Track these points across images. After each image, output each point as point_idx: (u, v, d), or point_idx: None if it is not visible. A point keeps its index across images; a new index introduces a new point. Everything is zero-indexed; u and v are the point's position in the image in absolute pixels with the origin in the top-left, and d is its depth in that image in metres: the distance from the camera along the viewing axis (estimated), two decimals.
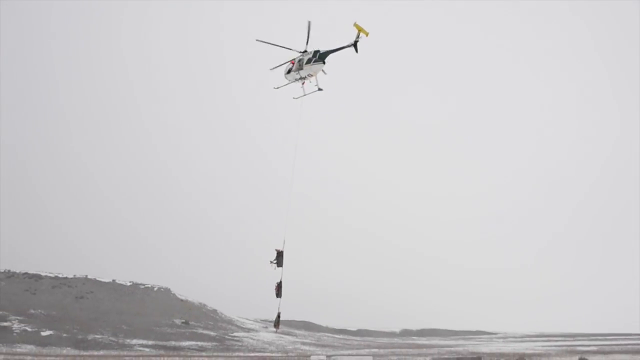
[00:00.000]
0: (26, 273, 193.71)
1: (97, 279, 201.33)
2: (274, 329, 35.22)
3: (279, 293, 29.04)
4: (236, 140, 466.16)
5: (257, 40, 23.83)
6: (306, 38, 24.87)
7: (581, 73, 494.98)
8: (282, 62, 26.37)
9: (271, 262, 27.50)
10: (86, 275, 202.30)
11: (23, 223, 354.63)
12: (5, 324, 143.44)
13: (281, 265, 27.45)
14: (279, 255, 27.37)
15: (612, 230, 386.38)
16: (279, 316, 31.46)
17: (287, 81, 26.68)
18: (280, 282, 28.97)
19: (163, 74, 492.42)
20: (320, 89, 26.26)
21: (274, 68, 26.14)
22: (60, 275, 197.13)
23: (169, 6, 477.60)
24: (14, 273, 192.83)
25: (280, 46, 24.99)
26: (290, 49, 25.52)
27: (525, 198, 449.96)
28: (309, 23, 23.87)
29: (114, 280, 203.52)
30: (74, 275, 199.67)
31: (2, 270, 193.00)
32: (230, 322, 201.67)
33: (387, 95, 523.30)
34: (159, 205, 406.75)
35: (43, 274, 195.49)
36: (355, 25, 23.65)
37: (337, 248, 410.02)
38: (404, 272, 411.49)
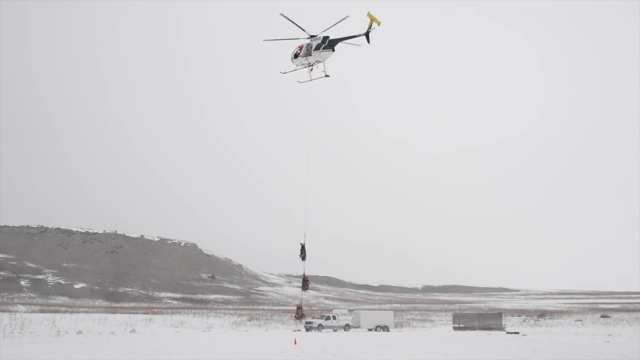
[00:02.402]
0: (58, 228, 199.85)
1: (126, 234, 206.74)
2: (296, 320, 35.86)
3: (305, 286, 29.53)
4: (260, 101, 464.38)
5: (281, 14, 23.39)
6: (330, 25, 24.15)
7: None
8: (280, 38, 25.71)
9: (299, 255, 27.83)
10: (115, 231, 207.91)
11: (54, 180, 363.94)
12: (40, 276, 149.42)
13: (304, 259, 27.70)
14: (302, 248, 27.62)
15: (638, 189, 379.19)
16: (300, 308, 31.78)
17: (294, 66, 26.11)
18: (305, 275, 29.44)
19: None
20: (327, 76, 25.77)
21: (267, 40, 25.56)
22: (90, 231, 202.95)
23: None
24: (47, 228, 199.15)
25: (299, 26, 24.51)
26: (304, 30, 24.99)
27: (550, 159, 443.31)
28: (345, 17, 23.16)
29: (142, 236, 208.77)
30: (104, 231, 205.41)
31: (35, 226, 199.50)
32: (255, 276, 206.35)
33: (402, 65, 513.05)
34: (186, 163, 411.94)
35: (74, 229, 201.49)
36: (369, 14, 23.01)
37: (360, 206, 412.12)
38: (427, 228, 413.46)
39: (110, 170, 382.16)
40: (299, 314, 35.81)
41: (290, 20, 23.83)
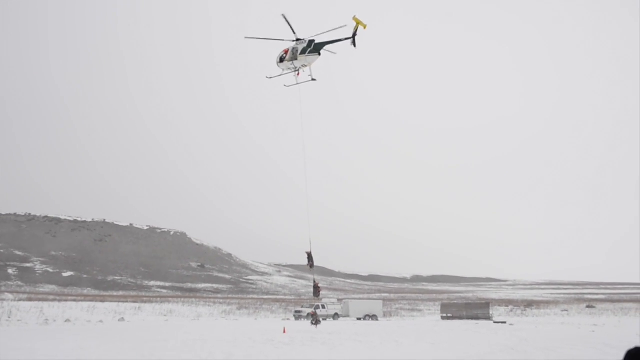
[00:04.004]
0: (46, 216, 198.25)
1: (115, 222, 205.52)
2: (313, 325, 38.64)
3: (317, 293, 30.09)
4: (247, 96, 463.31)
5: (282, 15, 22.86)
6: (324, 31, 23.78)
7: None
8: (261, 37, 25.31)
9: (307, 264, 28.23)
10: (104, 219, 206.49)
11: (42, 168, 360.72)
12: (27, 264, 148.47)
13: (312, 267, 28.04)
14: (309, 256, 27.92)
15: (627, 181, 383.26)
16: (315, 314, 33.28)
17: (280, 70, 25.70)
18: (316, 282, 30.19)
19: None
20: (314, 79, 25.47)
21: (248, 37, 25.19)
22: (79, 219, 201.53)
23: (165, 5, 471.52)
24: (35, 216, 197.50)
25: (293, 29, 24.01)
26: (295, 33, 24.55)
27: (535, 147, 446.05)
28: (344, 25, 22.81)
29: (131, 224, 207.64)
30: (93, 219, 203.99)
31: (23, 214, 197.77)
32: (244, 265, 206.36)
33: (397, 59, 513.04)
34: (175, 151, 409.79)
35: (62, 217, 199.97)
36: (354, 18, 22.79)
37: (350, 197, 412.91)
38: (416, 219, 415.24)
39: (99, 158, 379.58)
40: (315, 320, 38.10)
41: (288, 23, 23.39)
